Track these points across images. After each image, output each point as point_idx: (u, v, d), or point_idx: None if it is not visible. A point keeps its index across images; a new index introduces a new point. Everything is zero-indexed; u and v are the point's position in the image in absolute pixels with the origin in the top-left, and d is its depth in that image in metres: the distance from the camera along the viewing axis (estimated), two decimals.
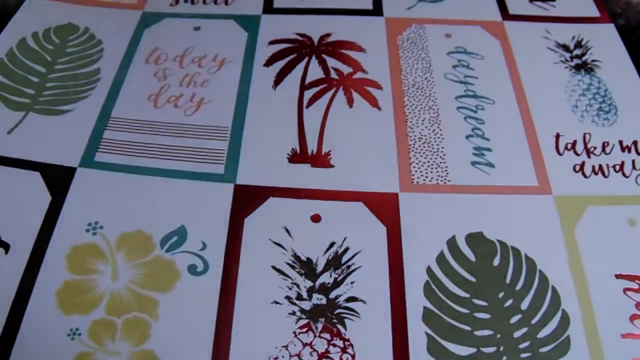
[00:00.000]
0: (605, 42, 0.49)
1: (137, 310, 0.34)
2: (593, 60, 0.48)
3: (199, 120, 0.43)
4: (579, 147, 0.42)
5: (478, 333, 0.34)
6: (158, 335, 0.33)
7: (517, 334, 0.34)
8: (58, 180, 0.39)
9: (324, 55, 0.48)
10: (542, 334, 0.34)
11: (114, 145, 0.42)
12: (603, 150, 0.42)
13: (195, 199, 0.39)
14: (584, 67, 0.47)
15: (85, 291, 0.34)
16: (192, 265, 0.35)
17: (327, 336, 0.33)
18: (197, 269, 0.35)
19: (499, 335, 0.34)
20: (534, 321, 0.34)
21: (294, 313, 0.34)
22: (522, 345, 0.33)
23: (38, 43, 0.48)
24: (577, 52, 0.48)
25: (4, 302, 0.34)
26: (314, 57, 0.48)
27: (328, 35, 0.49)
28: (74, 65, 0.47)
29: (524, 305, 0.35)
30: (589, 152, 0.42)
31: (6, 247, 0.36)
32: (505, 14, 0.51)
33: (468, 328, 0.34)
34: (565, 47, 0.48)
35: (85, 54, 0.48)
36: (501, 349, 0.33)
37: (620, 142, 0.43)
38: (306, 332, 0.34)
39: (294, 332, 0.33)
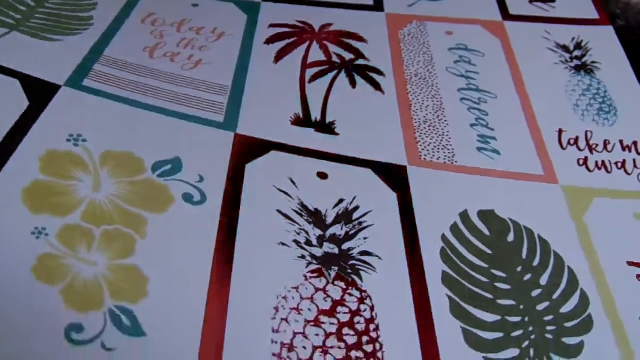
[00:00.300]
0: (605, 44, 0.49)
1: (119, 224, 0.31)
2: (593, 62, 0.48)
3: (197, 76, 0.41)
4: (582, 143, 0.42)
5: (501, 302, 0.32)
6: (145, 252, 0.30)
7: (539, 307, 0.32)
8: (39, 91, 0.36)
9: (325, 42, 0.47)
10: (565, 309, 0.32)
11: (104, 77, 0.39)
12: (605, 147, 0.42)
13: (192, 137, 0.36)
14: (583, 68, 0.48)
15: (59, 194, 0.31)
16: (187, 194, 0.33)
17: (342, 284, 0.31)
18: (193, 198, 0.33)
19: (522, 307, 0.32)
20: (554, 297, 0.32)
21: (303, 257, 0.32)
22: (546, 318, 0.31)
23: None
24: (576, 53, 0.49)
25: None
26: (315, 42, 0.47)
27: (329, 25, 0.48)
28: (67, 8, 0.44)
29: (543, 280, 0.33)
30: (591, 149, 0.42)
31: None
32: (506, 14, 0.51)
33: (490, 296, 0.32)
34: (565, 48, 0.49)
35: (79, 2, 0.45)
36: (526, 319, 0.31)
37: (621, 142, 0.43)
38: (318, 277, 0.31)
39: (305, 276, 0.31)
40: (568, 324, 0.31)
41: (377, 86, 0.43)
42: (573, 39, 0.50)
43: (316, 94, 0.42)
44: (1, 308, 0.27)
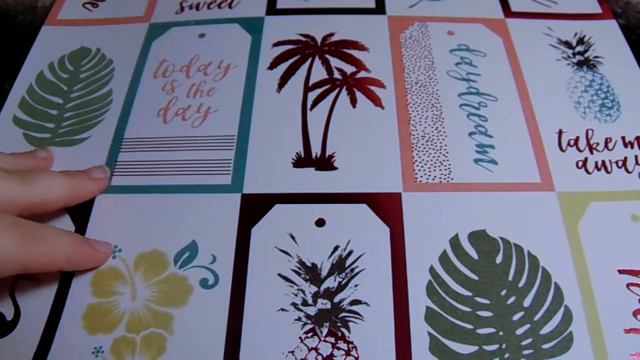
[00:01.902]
0: (608, 38, 0.49)
1: (154, 326, 0.35)
2: (595, 57, 0.48)
3: (206, 131, 0.44)
4: (582, 144, 0.43)
5: (480, 331, 0.34)
6: (173, 348, 0.34)
7: (519, 331, 0.34)
8: (79, 210, 0.40)
9: (327, 56, 0.48)
10: (545, 330, 0.34)
11: (127, 166, 0.42)
12: (606, 146, 0.43)
13: (205, 212, 0.39)
14: (586, 63, 0.47)
15: (108, 312, 0.36)
16: (203, 279, 0.37)
17: (332, 340, 0.34)
18: (208, 282, 0.36)
19: (501, 333, 0.34)
20: (536, 318, 0.35)
21: (299, 319, 0.35)
22: (524, 342, 0.34)
23: (54, 74, 0.49)
24: (579, 48, 0.48)
25: (37, 326, 0.35)
26: (317, 58, 0.48)
27: (331, 35, 0.50)
28: (88, 90, 0.48)
29: (527, 302, 0.35)
30: (591, 148, 0.43)
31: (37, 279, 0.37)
32: (508, 11, 0.51)
33: (470, 326, 0.34)
34: (568, 44, 0.49)
35: (98, 77, 0.48)
36: (503, 346, 0.34)
37: (623, 138, 0.43)
38: (311, 336, 0.34)
39: (300, 338, 0.34)
40: (546, 345, 0.34)
41: (377, 101, 0.45)
42: (575, 34, 0.49)
43: (318, 122, 0.44)
44: None
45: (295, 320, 0.35)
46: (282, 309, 0.35)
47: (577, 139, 0.43)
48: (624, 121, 0.44)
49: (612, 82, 0.46)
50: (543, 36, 0.49)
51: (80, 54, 0.50)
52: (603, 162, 0.42)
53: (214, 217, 0.39)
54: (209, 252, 0.38)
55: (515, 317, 0.35)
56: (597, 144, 0.43)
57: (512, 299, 0.35)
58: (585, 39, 0.49)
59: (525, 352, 0.33)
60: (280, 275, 0.37)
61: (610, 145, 0.43)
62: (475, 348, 0.34)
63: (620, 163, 0.42)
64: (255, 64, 0.48)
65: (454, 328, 0.34)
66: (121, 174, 0.42)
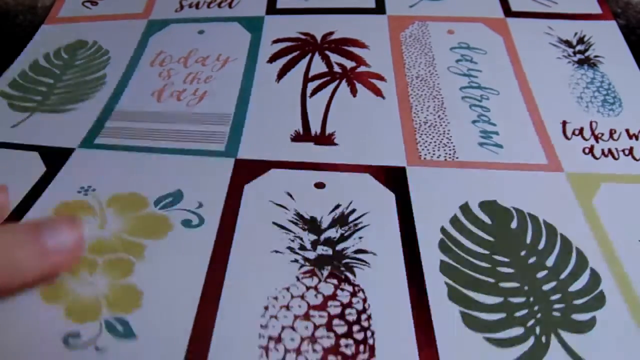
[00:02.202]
0: (607, 38, 0.49)
1: (121, 252, 0.32)
2: (596, 56, 0.48)
3: (202, 110, 0.43)
4: (587, 133, 0.42)
5: (503, 285, 0.32)
6: (142, 271, 0.32)
7: (546, 287, 0.32)
8: (55, 157, 0.39)
9: (327, 52, 0.48)
10: (574, 288, 0.32)
11: (114, 131, 0.41)
12: (611, 136, 0.42)
13: (194, 169, 0.38)
14: (586, 62, 0.47)
15: None
16: (186, 220, 0.34)
17: (335, 281, 0.31)
18: (191, 222, 0.34)
19: (526, 287, 0.32)
20: (562, 276, 0.32)
21: (296, 260, 0.32)
22: (553, 297, 0.31)
23: (49, 61, 0.48)
24: (579, 47, 0.48)
25: None
26: (317, 54, 0.48)
27: (331, 33, 0.50)
28: (81, 74, 0.47)
29: (549, 262, 0.33)
30: (596, 138, 0.42)
31: None
32: (508, 11, 0.51)
33: (491, 280, 0.32)
34: (568, 43, 0.49)
35: (93, 64, 0.48)
36: (531, 299, 0.31)
37: (627, 131, 0.42)
38: (310, 277, 0.32)
39: (297, 277, 0.32)
40: (577, 301, 0.31)
41: (378, 92, 0.44)
42: (575, 33, 0.49)
43: (317, 108, 0.43)
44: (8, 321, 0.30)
45: (292, 261, 0.32)
46: (277, 251, 0.33)
47: (581, 129, 0.42)
48: (626, 116, 0.43)
49: (612, 81, 0.46)
50: (543, 35, 0.49)
51: (76, 45, 0.49)
52: (610, 150, 0.41)
53: (204, 174, 0.37)
54: (195, 200, 0.36)
55: (540, 275, 0.32)
56: (602, 134, 0.42)
57: (533, 259, 0.33)
58: (586, 39, 0.49)
59: (556, 306, 0.31)
60: (275, 223, 0.34)
61: (615, 136, 0.42)
62: (500, 299, 0.31)
63: (627, 152, 0.41)
64: (255, 57, 0.47)
65: (475, 280, 0.32)
66: (107, 136, 0.40)
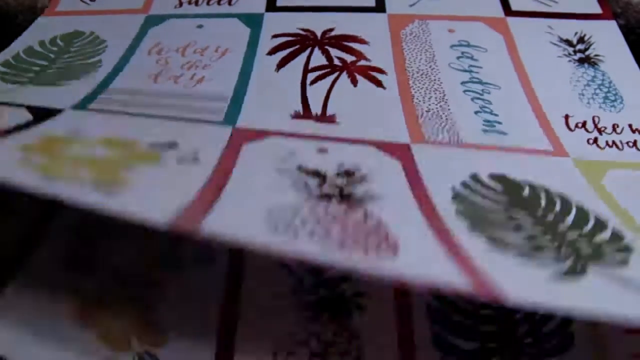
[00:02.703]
0: (608, 38, 0.49)
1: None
2: (596, 55, 0.48)
3: (200, 91, 0.42)
4: (590, 126, 0.41)
5: (528, 230, 0.30)
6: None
7: (570, 236, 0.30)
8: (44, 112, 0.37)
9: (327, 47, 0.47)
10: (599, 238, 0.30)
11: (108, 101, 0.40)
12: (614, 130, 0.41)
13: (190, 130, 0.37)
14: (587, 60, 0.47)
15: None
16: (180, 157, 0.32)
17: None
18: (184, 160, 0.32)
19: (549, 235, 0.30)
20: (585, 230, 0.31)
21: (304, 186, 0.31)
22: (580, 241, 0.30)
23: (44, 47, 0.48)
24: (580, 46, 0.48)
25: None
26: (317, 49, 0.47)
27: (331, 29, 0.49)
28: (77, 58, 0.46)
29: (569, 220, 0.32)
30: (600, 131, 0.41)
31: None
32: (508, 10, 0.51)
33: (511, 224, 0.31)
34: (568, 42, 0.49)
35: (89, 50, 0.47)
36: (555, 244, 0.29)
37: (630, 125, 0.42)
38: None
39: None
40: (605, 246, 0.30)
41: (378, 83, 0.44)
42: (576, 33, 0.49)
43: (317, 93, 0.43)
44: None
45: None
46: (279, 170, 0.32)
47: (584, 122, 0.42)
48: (628, 112, 0.43)
49: (613, 79, 0.46)
50: (544, 34, 0.49)
51: (73, 35, 0.49)
52: (614, 142, 0.40)
53: (200, 135, 0.36)
54: (190, 147, 0.33)
55: (561, 227, 0.31)
56: (605, 127, 0.41)
57: (551, 216, 0.32)
58: (586, 38, 0.49)
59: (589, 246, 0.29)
60: (277, 169, 0.33)
61: (618, 130, 0.41)
62: (526, 238, 0.29)
63: (631, 144, 0.40)
64: (254, 50, 0.47)
65: (494, 222, 0.30)
66: (101, 103, 0.40)
